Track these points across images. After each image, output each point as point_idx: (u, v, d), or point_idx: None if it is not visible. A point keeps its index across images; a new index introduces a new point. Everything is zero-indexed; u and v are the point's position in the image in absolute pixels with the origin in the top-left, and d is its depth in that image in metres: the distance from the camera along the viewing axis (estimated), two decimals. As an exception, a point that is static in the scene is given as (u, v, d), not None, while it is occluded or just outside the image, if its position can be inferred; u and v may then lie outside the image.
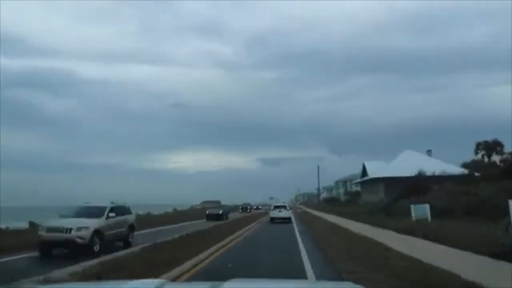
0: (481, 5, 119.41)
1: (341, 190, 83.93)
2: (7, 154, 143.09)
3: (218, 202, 61.80)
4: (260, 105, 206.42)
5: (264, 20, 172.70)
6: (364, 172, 49.83)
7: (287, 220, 31.96)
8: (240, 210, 62.59)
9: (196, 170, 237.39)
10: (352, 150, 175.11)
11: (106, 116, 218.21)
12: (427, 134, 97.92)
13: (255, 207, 75.96)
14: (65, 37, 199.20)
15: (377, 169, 43.93)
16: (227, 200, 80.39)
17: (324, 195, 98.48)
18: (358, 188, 60.96)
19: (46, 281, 6.41)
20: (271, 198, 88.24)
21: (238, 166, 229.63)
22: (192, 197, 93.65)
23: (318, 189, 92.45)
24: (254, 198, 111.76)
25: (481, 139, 47.62)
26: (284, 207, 34.95)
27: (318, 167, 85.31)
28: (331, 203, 67.44)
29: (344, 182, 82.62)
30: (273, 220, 32.61)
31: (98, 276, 6.96)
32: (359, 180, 53.38)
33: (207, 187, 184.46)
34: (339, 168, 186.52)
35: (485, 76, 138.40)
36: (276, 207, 35.14)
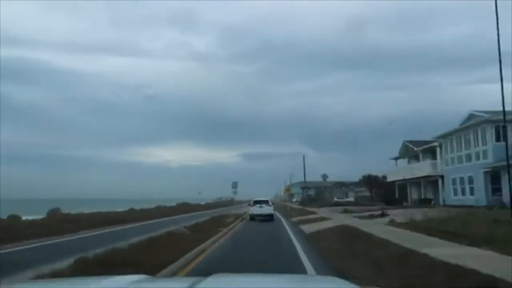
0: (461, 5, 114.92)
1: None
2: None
3: None
4: (239, 99, 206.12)
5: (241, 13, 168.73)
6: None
7: (269, 217, 28.63)
8: None
9: (179, 164, 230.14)
10: (333, 146, 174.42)
11: (81, 108, 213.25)
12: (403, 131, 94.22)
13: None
14: (34, 26, 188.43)
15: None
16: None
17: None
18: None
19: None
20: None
21: (220, 160, 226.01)
22: (175, 191, 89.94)
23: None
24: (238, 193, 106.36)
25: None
26: (266, 202, 30.32)
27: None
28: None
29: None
30: (253, 218, 28.56)
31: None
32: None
33: (189, 181, 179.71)
34: (322, 164, 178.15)
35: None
36: (256, 202, 30.27)
